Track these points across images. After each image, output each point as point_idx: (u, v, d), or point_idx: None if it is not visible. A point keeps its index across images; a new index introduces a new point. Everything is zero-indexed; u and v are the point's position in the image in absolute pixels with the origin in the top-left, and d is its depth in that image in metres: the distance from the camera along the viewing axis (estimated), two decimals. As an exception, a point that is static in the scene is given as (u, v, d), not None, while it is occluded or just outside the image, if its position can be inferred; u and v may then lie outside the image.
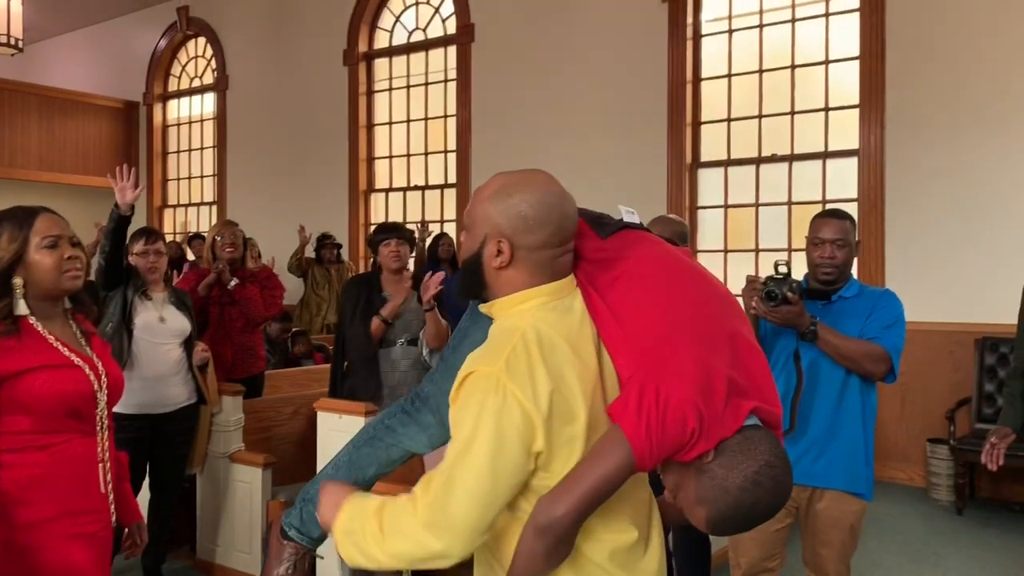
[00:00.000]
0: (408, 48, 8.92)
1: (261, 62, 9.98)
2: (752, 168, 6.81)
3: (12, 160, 10.22)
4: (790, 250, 6.45)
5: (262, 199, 9.84)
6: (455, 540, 1.36)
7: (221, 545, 4.20)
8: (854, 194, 6.20)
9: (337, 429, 3.54)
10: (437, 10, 8.68)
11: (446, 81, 8.61)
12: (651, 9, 7.07)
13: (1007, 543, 4.73)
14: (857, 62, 6.21)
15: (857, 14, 6.22)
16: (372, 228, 6.95)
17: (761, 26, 6.80)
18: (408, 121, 8.99)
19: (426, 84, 8.84)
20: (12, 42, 8.21)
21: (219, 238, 4.77)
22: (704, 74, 7.05)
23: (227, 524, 4.17)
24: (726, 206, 6.96)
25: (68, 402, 2.05)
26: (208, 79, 10.82)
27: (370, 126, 9.21)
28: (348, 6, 9.10)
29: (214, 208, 10.66)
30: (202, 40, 10.83)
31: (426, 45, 8.77)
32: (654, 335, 1.42)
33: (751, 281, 2.74)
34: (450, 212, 8.54)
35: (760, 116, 6.78)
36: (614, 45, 7.28)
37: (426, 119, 8.84)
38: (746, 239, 6.87)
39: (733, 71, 6.92)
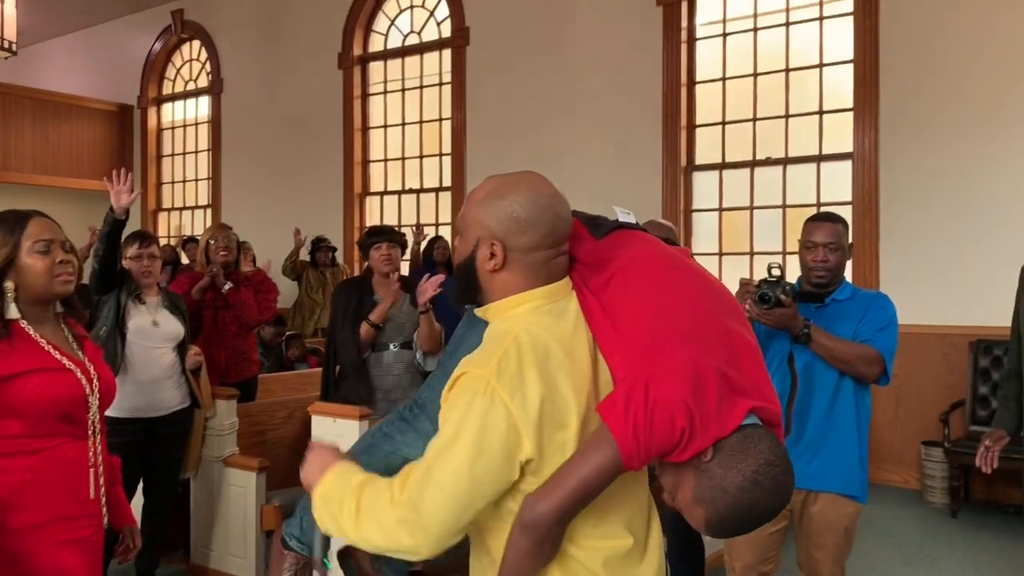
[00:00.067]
0: (403, 51, 8.92)
1: (256, 65, 9.97)
2: (747, 171, 6.82)
3: (6, 163, 10.21)
4: (784, 253, 6.47)
5: (257, 202, 9.83)
6: (426, 539, 1.36)
7: (215, 550, 4.18)
8: (848, 197, 6.21)
9: (331, 433, 3.53)
10: (432, 13, 8.68)
11: (441, 84, 8.61)
12: (646, 13, 7.08)
13: (1001, 545, 4.73)
14: (851, 65, 6.23)
15: (851, 18, 6.24)
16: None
17: (755, 30, 6.81)
18: (403, 124, 8.98)
19: (421, 87, 8.84)
20: (6, 45, 8.19)
21: (213, 242, 4.76)
22: (699, 77, 7.06)
23: (221, 528, 4.15)
24: (721, 209, 6.96)
25: (59, 406, 2.04)
26: (203, 82, 10.81)
27: (365, 129, 9.21)
28: (343, 9, 9.10)
29: (208, 211, 10.64)
30: (196, 43, 10.82)
31: (421, 48, 8.77)
32: (647, 334, 1.41)
33: (744, 284, 2.74)
34: (445, 215, 8.54)
35: (755, 119, 6.80)
36: (609, 48, 7.29)
37: (421, 122, 8.84)
38: (741, 242, 6.88)
39: (728, 74, 6.93)
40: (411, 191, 8.91)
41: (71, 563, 2.04)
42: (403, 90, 8.98)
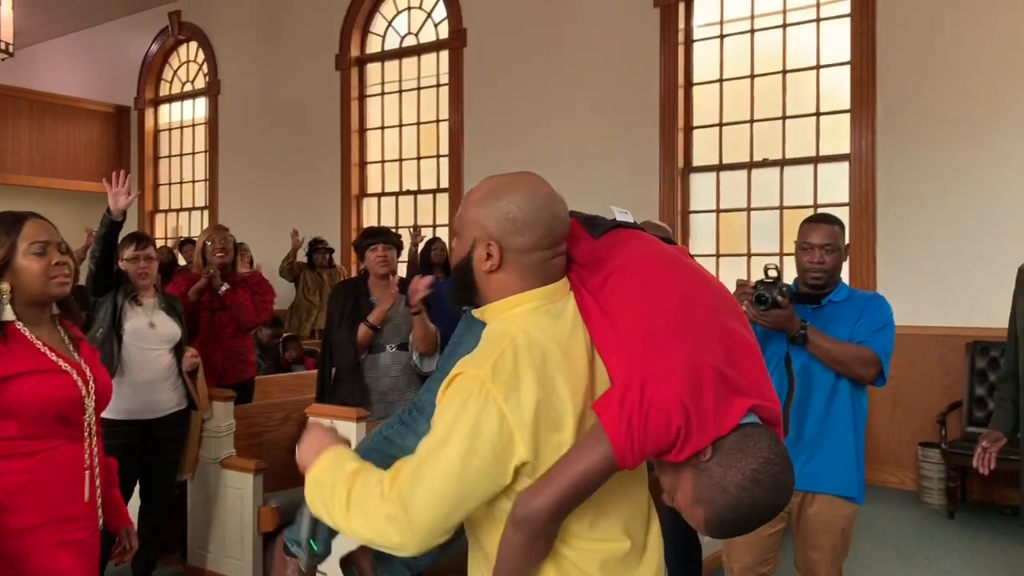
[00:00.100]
0: (401, 53, 8.92)
1: (253, 66, 9.97)
2: (744, 172, 6.83)
3: (2, 165, 10.19)
4: (782, 254, 6.47)
5: (254, 204, 9.82)
6: (412, 536, 1.36)
7: (212, 551, 4.18)
8: (845, 198, 6.22)
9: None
10: (429, 15, 8.68)
11: (438, 86, 8.61)
12: (643, 14, 7.08)
13: (998, 546, 4.73)
14: (848, 67, 6.24)
15: (848, 19, 6.25)
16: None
17: (753, 31, 6.82)
18: (400, 125, 8.98)
19: (418, 88, 8.83)
20: (3, 46, 8.16)
21: (210, 243, 4.75)
22: (696, 79, 7.07)
23: (218, 530, 4.14)
24: (718, 210, 6.97)
25: (56, 407, 2.04)
26: (200, 83, 10.80)
27: (362, 130, 9.21)
28: (340, 11, 9.10)
29: (206, 213, 10.63)
30: (194, 44, 10.81)
31: (418, 50, 8.77)
32: (644, 333, 1.41)
33: (741, 285, 2.74)
34: (442, 216, 8.53)
35: (752, 121, 6.80)
36: (606, 50, 7.30)
37: (418, 123, 8.84)
38: (738, 243, 6.88)
39: (725, 76, 6.93)
40: (408, 192, 8.91)
41: (67, 565, 2.04)
42: (400, 91, 8.98)
